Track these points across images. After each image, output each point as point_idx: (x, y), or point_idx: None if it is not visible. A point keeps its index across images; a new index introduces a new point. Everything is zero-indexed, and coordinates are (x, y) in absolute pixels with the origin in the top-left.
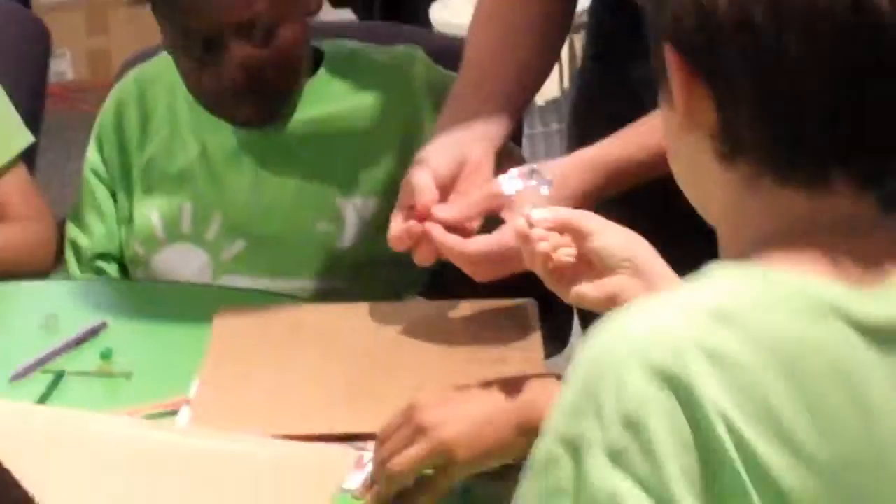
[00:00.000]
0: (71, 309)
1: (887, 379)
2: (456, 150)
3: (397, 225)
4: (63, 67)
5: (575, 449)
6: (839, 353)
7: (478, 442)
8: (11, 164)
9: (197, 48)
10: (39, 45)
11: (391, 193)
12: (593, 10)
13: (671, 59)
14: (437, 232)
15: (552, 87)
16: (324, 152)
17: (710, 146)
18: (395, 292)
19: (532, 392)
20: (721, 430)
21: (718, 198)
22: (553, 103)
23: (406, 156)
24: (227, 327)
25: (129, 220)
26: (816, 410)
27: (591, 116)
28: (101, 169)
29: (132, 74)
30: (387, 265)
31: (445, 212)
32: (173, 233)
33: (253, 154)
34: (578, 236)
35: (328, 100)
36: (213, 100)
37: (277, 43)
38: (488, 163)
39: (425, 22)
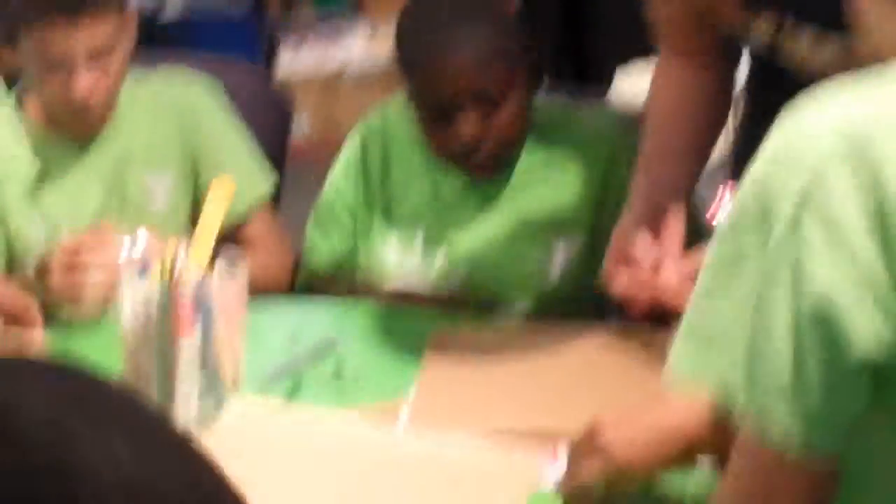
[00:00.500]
0: (310, 324)
1: None
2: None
3: (622, 278)
4: (300, 126)
5: (764, 210)
6: None
7: (646, 462)
8: (260, 205)
9: (434, 110)
10: (284, 108)
11: (591, 233)
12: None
13: None
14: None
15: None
16: (538, 197)
17: None
18: (595, 316)
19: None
20: None
21: None
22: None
23: (604, 203)
24: (442, 341)
25: (368, 239)
26: None
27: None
28: (346, 190)
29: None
30: (587, 293)
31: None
32: (405, 262)
33: (478, 196)
34: None
35: (543, 152)
36: (446, 153)
37: (504, 109)
38: (679, 224)
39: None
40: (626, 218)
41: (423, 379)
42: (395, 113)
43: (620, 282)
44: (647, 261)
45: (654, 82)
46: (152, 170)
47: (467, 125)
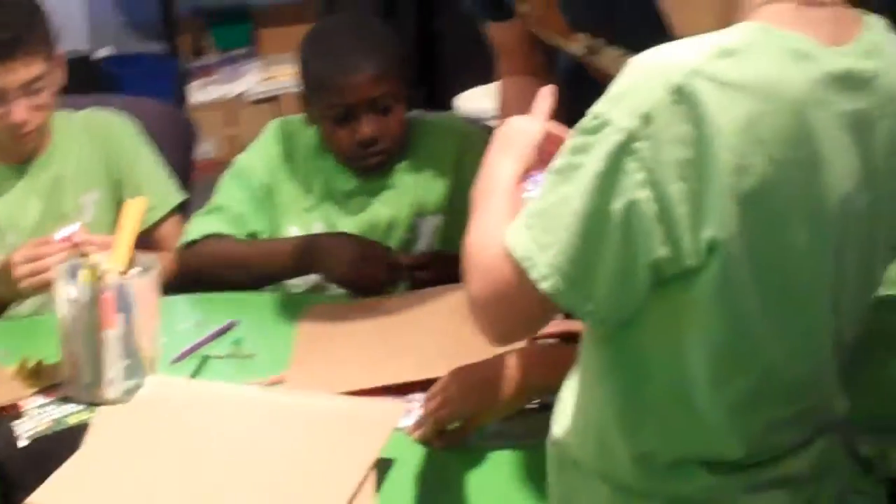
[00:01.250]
0: (213, 312)
1: (836, 116)
2: None
3: None
4: (207, 148)
5: (601, 123)
6: (806, 88)
7: (492, 404)
8: (171, 214)
9: (341, 117)
10: (189, 134)
11: (448, 212)
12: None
13: None
14: None
15: None
16: (406, 186)
17: None
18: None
19: (531, 359)
20: (716, 146)
21: None
22: None
23: (457, 186)
24: (312, 313)
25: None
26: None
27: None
28: (256, 166)
29: (279, 121)
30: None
31: None
32: None
33: (366, 191)
34: None
35: (413, 152)
36: (348, 152)
37: (393, 115)
38: None
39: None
40: None
41: (296, 349)
42: (296, 123)
43: None
44: None
45: (501, 92)
46: (83, 189)
47: (368, 126)
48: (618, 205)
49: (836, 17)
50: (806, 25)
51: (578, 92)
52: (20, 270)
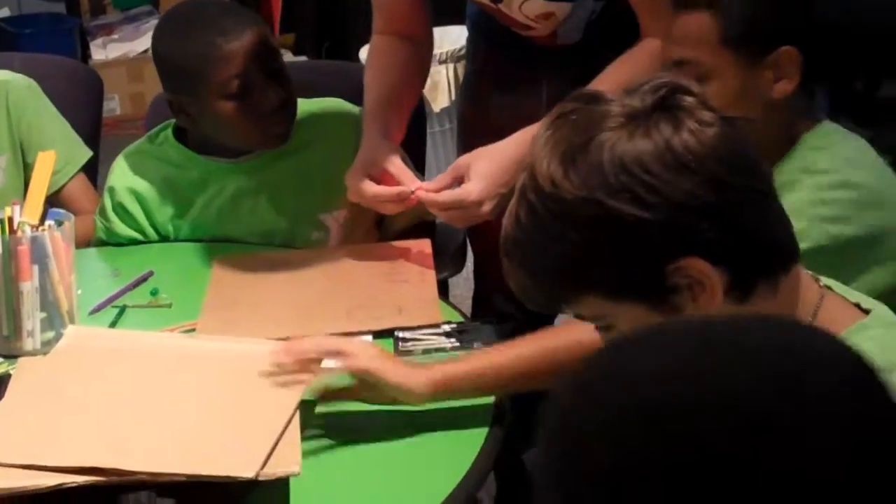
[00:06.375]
0: (130, 264)
1: None
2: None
3: (378, 191)
4: (113, 106)
5: None
6: None
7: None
8: (77, 173)
9: (239, 93)
10: (95, 90)
11: (352, 205)
12: (471, 38)
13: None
14: (423, 195)
15: (444, 99)
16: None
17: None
18: None
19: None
20: None
21: None
22: (446, 109)
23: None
24: (224, 267)
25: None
26: None
27: (478, 126)
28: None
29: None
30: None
31: (429, 185)
32: None
33: (258, 187)
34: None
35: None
36: (257, 128)
37: (288, 83)
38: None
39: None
40: (363, 144)
41: (208, 300)
42: (137, 153)
43: (369, 189)
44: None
45: (368, 52)
46: None
47: (272, 91)
48: None
49: None
50: None
51: (489, 39)
52: None
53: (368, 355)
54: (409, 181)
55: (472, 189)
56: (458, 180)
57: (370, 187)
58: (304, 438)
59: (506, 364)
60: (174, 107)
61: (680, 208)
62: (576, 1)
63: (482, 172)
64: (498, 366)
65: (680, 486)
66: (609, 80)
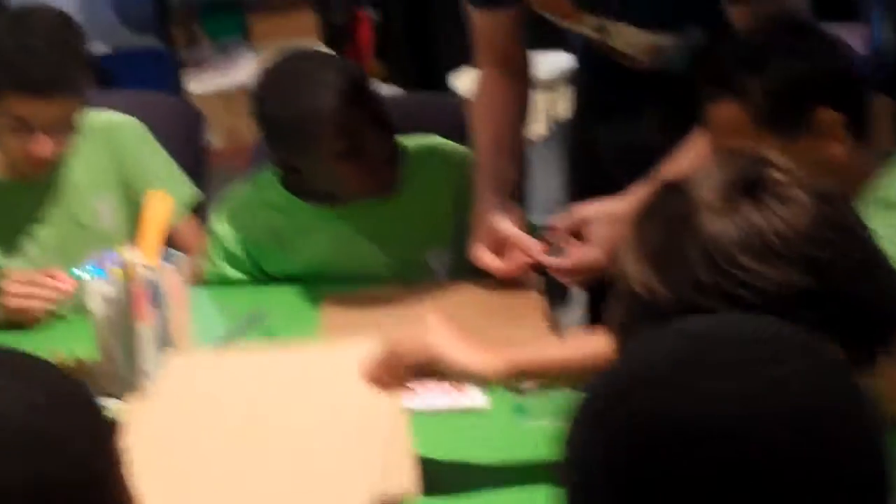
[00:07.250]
0: (236, 304)
1: None
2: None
3: (498, 262)
4: (211, 140)
5: None
6: None
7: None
8: (186, 211)
9: (343, 153)
10: (196, 125)
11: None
12: (579, 67)
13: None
14: (546, 261)
15: (540, 127)
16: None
17: None
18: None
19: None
20: None
21: None
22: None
23: (458, 218)
24: (335, 300)
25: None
26: None
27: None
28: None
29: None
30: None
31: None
32: None
33: (363, 231)
34: None
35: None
36: (357, 182)
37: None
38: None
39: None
40: (480, 206)
41: (322, 328)
42: (245, 200)
43: (487, 256)
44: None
45: (475, 92)
46: (96, 194)
47: (382, 143)
48: None
49: None
50: None
51: (596, 72)
52: (11, 302)
53: (439, 338)
54: (529, 248)
55: (592, 255)
56: (574, 230)
57: (495, 262)
58: None
59: (576, 359)
60: (280, 163)
61: (775, 298)
62: (679, 31)
63: (602, 238)
64: (568, 359)
65: None
66: (690, 157)
